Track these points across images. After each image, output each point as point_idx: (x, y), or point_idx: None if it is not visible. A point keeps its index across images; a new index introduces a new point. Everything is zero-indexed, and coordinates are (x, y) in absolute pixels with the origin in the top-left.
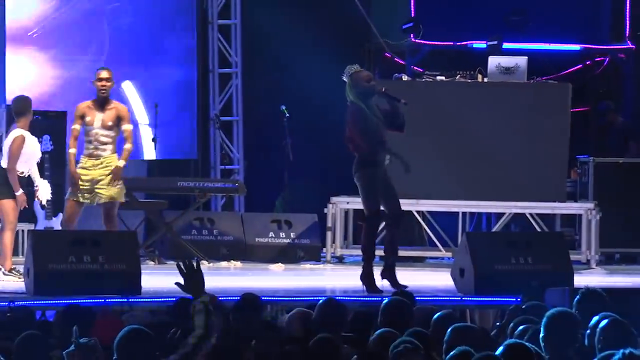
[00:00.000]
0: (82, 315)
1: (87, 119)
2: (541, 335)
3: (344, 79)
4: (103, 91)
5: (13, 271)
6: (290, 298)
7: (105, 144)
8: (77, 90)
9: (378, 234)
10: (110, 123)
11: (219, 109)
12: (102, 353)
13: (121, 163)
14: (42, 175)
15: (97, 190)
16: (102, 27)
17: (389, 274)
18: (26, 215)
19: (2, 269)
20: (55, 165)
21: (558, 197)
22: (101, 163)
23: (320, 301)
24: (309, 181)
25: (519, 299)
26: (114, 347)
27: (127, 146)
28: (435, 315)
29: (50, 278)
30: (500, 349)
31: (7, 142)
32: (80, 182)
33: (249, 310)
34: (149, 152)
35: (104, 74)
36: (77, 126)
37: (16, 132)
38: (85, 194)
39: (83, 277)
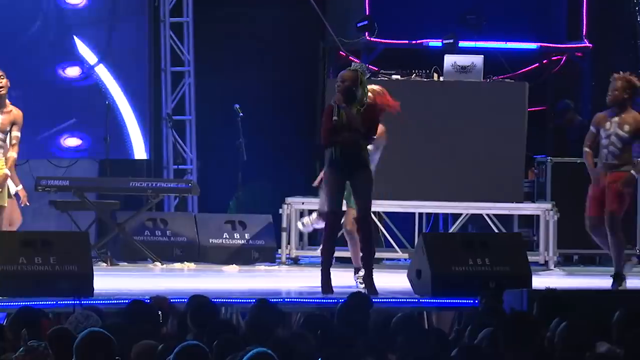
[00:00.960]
0: (33, 318)
1: None
2: (499, 337)
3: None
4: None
5: None
6: (245, 300)
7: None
8: None
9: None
10: (8, 127)
11: (171, 108)
12: (52, 357)
13: (7, 172)
14: None
15: None
16: None
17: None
18: None
19: None
20: None
21: (515, 198)
22: None
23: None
24: (263, 181)
25: (476, 301)
26: (72, 350)
27: (13, 155)
28: (395, 317)
29: (0, 280)
30: (454, 352)
31: None
32: None
33: (204, 312)
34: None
35: None
36: None
37: None
38: None
39: (34, 278)
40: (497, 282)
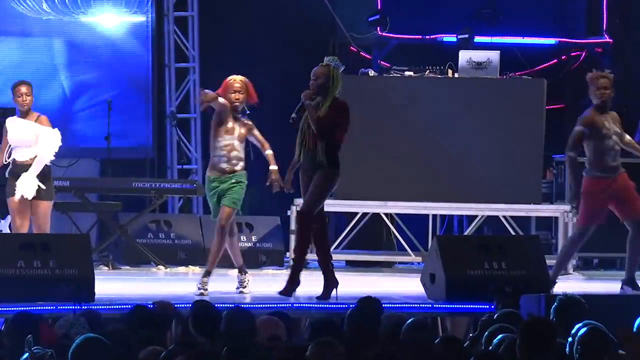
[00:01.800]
0: (32, 324)
1: None
2: (517, 344)
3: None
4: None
5: None
6: (253, 305)
7: None
8: None
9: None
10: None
11: (176, 106)
12: None
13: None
14: None
15: None
16: None
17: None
18: None
19: None
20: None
21: (533, 199)
22: None
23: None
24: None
25: (492, 307)
26: (68, 356)
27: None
28: (407, 323)
29: None
30: None
31: None
32: None
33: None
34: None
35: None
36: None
37: None
38: None
39: (33, 282)
40: (514, 286)
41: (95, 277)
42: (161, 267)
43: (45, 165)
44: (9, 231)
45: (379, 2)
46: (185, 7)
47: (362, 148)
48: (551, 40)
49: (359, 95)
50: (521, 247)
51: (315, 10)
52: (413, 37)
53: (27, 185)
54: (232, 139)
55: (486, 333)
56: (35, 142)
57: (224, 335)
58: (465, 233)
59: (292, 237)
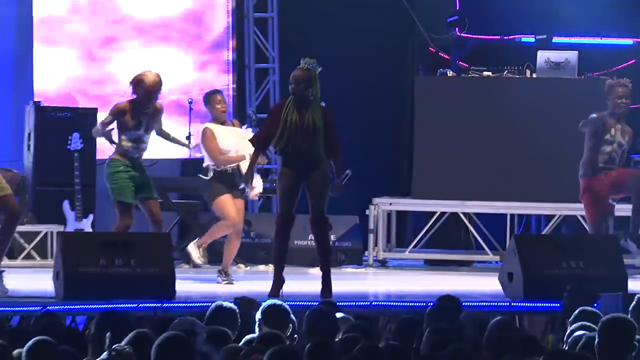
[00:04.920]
0: (116, 322)
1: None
2: (596, 342)
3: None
4: None
5: (224, 274)
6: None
7: None
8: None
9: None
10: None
11: (255, 106)
12: None
13: None
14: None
15: None
16: None
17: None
18: (56, 216)
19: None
20: (85, 164)
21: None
22: None
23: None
24: (349, 181)
25: (559, 305)
26: (150, 353)
27: None
28: (492, 321)
29: (80, 282)
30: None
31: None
32: None
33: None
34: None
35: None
36: None
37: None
38: None
39: (114, 280)
40: (591, 285)
41: (176, 275)
42: (241, 265)
43: None
44: (91, 230)
45: (457, 3)
46: (265, 8)
47: (439, 147)
48: (629, 41)
49: (437, 96)
50: (598, 247)
51: (394, 10)
52: (491, 37)
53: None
54: None
55: (566, 331)
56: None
57: (306, 334)
58: (543, 232)
59: (371, 236)
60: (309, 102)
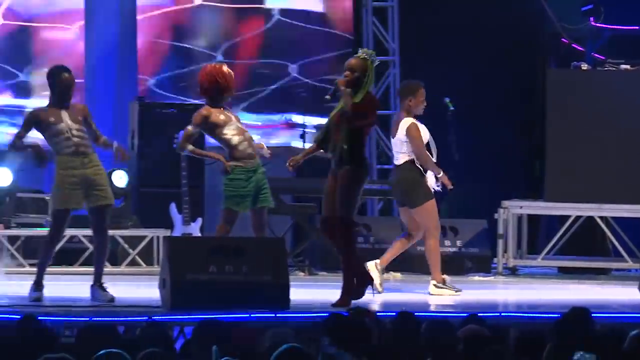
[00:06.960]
0: (223, 332)
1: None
2: None
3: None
4: None
5: (444, 284)
6: (454, 314)
7: None
8: None
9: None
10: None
11: None
12: None
13: None
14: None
15: None
16: None
17: None
18: (162, 219)
19: (433, 282)
20: (192, 164)
21: None
22: None
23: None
24: (477, 183)
25: None
26: None
27: None
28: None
29: (188, 290)
30: None
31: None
32: None
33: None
34: None
35: None
36: None
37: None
38: None
39: (225, 289)
40: None
41: (291, 283)
42: (396, 274)
43: None
44: (199, 234)
45: None
46: None
47: (574, 146)
48: None
49: (571, 90)
50: None
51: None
52: (629, 27)
53: None
54: None
55: None
56: None
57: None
58: None
59: (500, 242)
60: (358, 92)
